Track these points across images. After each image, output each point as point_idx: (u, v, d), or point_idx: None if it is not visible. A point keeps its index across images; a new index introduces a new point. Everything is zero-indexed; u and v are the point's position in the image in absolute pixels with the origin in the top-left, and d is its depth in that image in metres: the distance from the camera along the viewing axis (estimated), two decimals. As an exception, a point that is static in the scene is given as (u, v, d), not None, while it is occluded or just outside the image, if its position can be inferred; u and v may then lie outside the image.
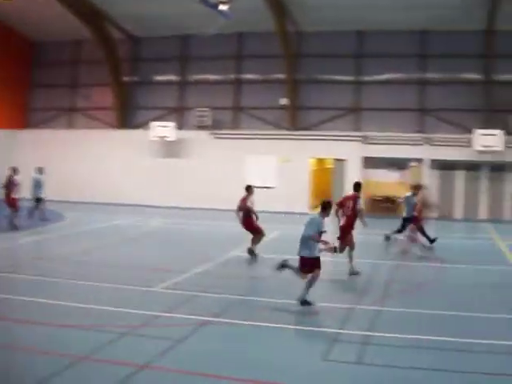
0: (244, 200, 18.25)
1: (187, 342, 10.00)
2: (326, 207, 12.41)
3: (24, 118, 39.02)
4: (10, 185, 22.79)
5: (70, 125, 38.17)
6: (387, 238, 20.60)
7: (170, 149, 34.68)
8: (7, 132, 37.01)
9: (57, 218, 25.95)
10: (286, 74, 33.04)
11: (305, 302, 12.06)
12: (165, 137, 34.12)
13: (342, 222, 16.15)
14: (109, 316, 11.53)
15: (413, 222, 20.34)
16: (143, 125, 35.62)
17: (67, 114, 38.41)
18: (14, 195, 22.67)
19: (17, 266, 16.78)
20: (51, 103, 38.49)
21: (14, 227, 22.16)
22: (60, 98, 38.32)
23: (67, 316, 11.41)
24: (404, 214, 20.41)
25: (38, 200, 24.96)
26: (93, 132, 36.80)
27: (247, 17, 30.11)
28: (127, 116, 36.96)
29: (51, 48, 38.63)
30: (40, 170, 25.85)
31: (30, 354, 9.35)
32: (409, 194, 20.80)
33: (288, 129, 33.38)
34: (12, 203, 22.51)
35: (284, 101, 33.25)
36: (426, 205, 21.72)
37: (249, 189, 18.40)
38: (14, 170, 23.48)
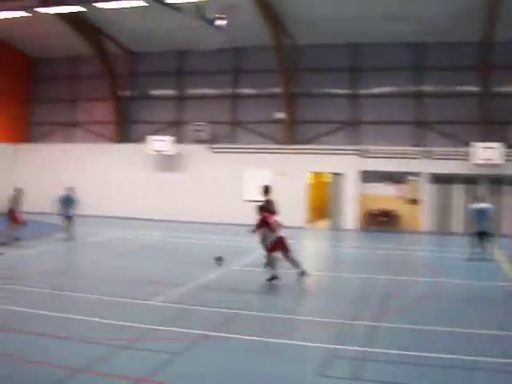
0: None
1: (184, 357, 9.97)
2: None
3: (25, 132, 39.43)
4: (16, 205, 23.17)
5: (69, 139, 38.45)
6: None
7: (168, 163, 34.70)
8: (9, 146, 37.61)
9: (57, 231, 25.89)
10: (283, 87, 33.06)
11: None
12: (162, 151, 34.15)
13: None
14: (106, 329, 11.54)
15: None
16: (141, 139, 35.66)
17: (66, 128, 38.68)
18: (18, 213, 23.14)
19: (18, 277, 16.86)
20: (51, 118, 38.96)
21: (15, 239, 22.42)
22: (59, 112, 38.76)
23: (65, 328, 11.47)
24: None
25: (69, 218, 24.58)
26: (91, 146, 37.00)
27: (243, 32, 30.25)
28: (125, 130, 37.13)
29: (51, 64, 39.10)
30: (71, 190, 25.13)
31: (30, 364, 9.38)
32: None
33: (284, 143, 33.34)
34: (16, 220, 22.86)
35: (280, 115, 33.24)
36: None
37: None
38: (19, 191, 23.65)
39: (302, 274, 16.21)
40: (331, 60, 33.07)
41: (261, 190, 18.43)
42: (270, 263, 16.54)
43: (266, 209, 17.30)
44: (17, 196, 23.57)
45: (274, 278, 16.32)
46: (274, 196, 18.31)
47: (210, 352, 10.38)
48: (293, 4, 29.22)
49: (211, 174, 33.55)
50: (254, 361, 9.94)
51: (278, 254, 16.53)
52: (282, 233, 16.55)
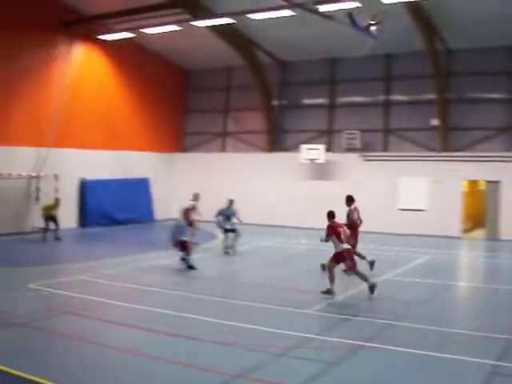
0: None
1: (340, 367, 10.03)
2: None
3: (180, 141, 40.86)
4: (191, 210, 23.72)
5: (221, 148, 39.50)
6: None
7: (319, 171, 34.81)
8: (166, 155, 39.33)
9: (208, 238, 26.50)
10: (436, 93, 32.22)
11: None
12: (314, 159, 34.26)
13: None
14: (262, 336, 11.83)
15: None
16: (292, 148, 36.13)
17: (219, 138, 39.68)
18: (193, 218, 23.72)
19: (175, 283, 17.48)
20: (204, 127, 40.11)
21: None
22: (213, 122, 39.84)
23: (220, 334, 11.88)
24: None
25: (228, 231, 24.19)
26: (244, 155, 37.81)
27: (395, 37, 29.65)
28: (277, 139, 37.55)
29: (204, 75, 40.29)
30: (231, 202, 24.94)
31: (185, 367, 9.82)
32: None
33: (439, 150, 32.45)
34: (191, 224, 23.23)
35: (435, 121, 32.36)
36: None
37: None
38: (196, 196, 24.25)
39: (372, 287, 15.71)
40: (486, 64, 31.66)
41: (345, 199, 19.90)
42: (330, 277, 15.76)
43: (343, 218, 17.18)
44: (195, 201, 24.25)
45: (329, 292, 15.61)
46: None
47: (365, 363, 10.33)
48: (445, 8, 28.34)
49: (363, 183, 33.16)
50: (412, 374, 9.79)
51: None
52: (349, 245, 16.10)
